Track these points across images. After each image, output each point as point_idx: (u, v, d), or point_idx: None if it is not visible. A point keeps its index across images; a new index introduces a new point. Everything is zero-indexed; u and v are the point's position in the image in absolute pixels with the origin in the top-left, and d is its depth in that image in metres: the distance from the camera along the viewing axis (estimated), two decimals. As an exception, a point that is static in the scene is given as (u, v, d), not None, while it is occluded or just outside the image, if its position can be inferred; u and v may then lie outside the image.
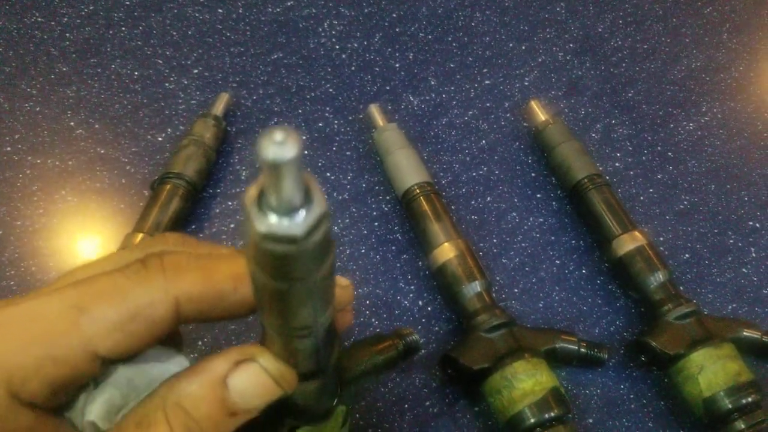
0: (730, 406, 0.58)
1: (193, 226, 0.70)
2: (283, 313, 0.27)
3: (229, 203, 0.72)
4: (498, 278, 0.70)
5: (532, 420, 0.56)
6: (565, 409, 0.57)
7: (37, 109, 0.77)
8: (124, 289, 0.31)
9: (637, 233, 0.68)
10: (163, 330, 0.32)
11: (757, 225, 0.76)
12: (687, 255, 0.73)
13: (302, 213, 0.22)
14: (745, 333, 0.64)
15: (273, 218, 0.22)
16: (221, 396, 0.31)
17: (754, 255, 0.74)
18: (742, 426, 0.57)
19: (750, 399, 0.58)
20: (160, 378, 0.33)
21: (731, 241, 0.74)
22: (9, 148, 0.74)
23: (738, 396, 0.58)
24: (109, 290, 0.31)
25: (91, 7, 0.85)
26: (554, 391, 0.57)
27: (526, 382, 0.57)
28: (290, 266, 0.23)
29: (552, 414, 0.56)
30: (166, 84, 0.79)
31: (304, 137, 0.77)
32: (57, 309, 0.31)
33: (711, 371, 0.59)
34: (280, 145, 0.20)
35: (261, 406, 0.32)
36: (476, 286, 0.63)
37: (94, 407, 0.33)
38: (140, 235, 0.64)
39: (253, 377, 0.31)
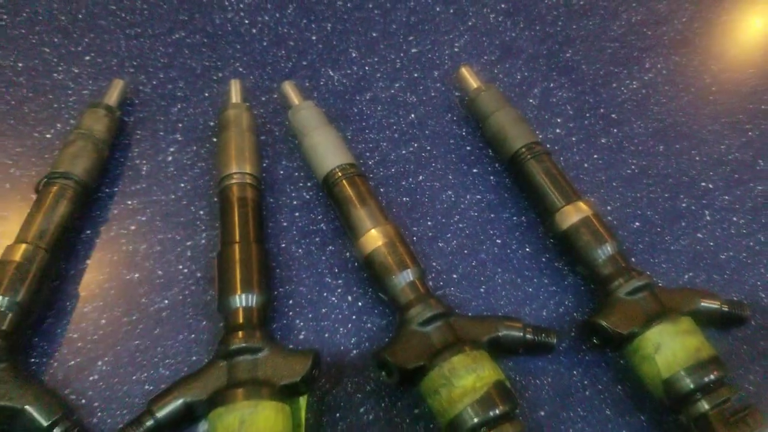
0: (691, 385, 0.52)
1: (88, 231, 0.62)
2: None
3: (129, 202, 0.64)
4: (435, 264, 0.64)
5: (475, 420, 0.49)
6: (512, 404, 0.51)
7: None
8: None
9: (581, 204, 0.62)
10: None
11: (710, 186, 0.70)
12: (637, 223, 0.67)
13: None
14: (703, 304, 0.58)
15: None
16: None
17: (708, 218, 0.68)
18: (707, 406, 0.52)
19: (712, 377, 0.52)
20: None
21: (684, 204, 0.69)
22: None
23: (699, 374, 0.52)
24: None
25: (-32, -5, 0.76)
26: (498, 385, 0.51)
27: (466, 379, 0.51)
28: None
29: (497, 411, 0.49)
30: (55, 74, 0.71)
31: (210, 123, 0.69)
32: None
33: (669, 349, 0.53)
34: None
35: None
36: (408, 275, 0.57)
37: None
38: (23, 246, 0.56)
39: None
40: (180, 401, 0.50)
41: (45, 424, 0.49)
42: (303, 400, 0.52)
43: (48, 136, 0.67)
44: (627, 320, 0.56)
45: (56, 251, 0.57)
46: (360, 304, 0.61)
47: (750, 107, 0.76)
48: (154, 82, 0.71)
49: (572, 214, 0.61)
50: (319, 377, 0.55)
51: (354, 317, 0.60)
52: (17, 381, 0.50)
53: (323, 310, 0.60)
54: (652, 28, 0.81)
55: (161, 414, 0.49)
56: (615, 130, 0.73)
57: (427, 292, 0.57)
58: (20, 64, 0.71)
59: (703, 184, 0.70)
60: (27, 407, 0.49)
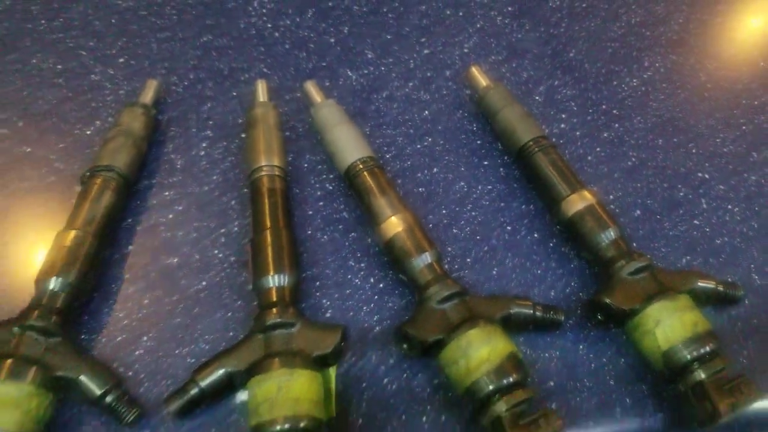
0: (688, 357, 0.57)
1: (129, 220, 0.67)
2: None
3: (166, 194, 0.69)
4: (449, 249, 0.68)
5: (491, 387, 0.54)
6: (524, 373, 0.55)
7: (-45, 111, 0.73)
8: None
9: (585, 192, 0.66)
10: None
11: (707, 176, 0.75)
12: (638, 211, 0.72)
13: None
14: (699, 284, 0.63)
15: None
16: None
17: (705, 206, 0.73)
18: (702, 375, 0.56)
19: (708, 348, 0.57)
20: None
21: (681, 194, 0.74)
22: (-73, 154, 0.70)
23: (696, 346, 0.57)
24: None
25: (7, 2, 0.81)
26: (511, 356, 0.55)
27: (481, 351, 0.55)
28: None
29: (510, 379, 0.54)
30: (92, 75, 0.76)
31: (239, 120, 0.74)
32: None
33: (668, 324, 0.58)
34: None
35: None
36: (426, 258, 0.62)
37: None
38: (73, 233, 0.60)
39: None
40: (222, 371, 0.54)
41: (98, 392, 0.54)
42: (333, 371, 0.57)
43: (88, 132, 0.72)
44: (629, 298, 0.60)
45: (102, 237, 0.62)
46: (381, 285, 0.66)
47: (743, 103, 0.81)
48: (185, 83, 0.76)
49: (577, 203, 0.66)
50: (346, 350, 0.60)
51: (376, 297, 0.65)
52: (72, 354, 0.55)
53: (347, 291, 0.65)
54: (650, 29, 0.86)
55: (205, 383, 0.54)
56: (616, 125, 0.78)
57: (444, 273, 0.62)
58: (59, 66, 0.76)
59: (700, 174, 0.75)
60: (81, 377, 0.54)
